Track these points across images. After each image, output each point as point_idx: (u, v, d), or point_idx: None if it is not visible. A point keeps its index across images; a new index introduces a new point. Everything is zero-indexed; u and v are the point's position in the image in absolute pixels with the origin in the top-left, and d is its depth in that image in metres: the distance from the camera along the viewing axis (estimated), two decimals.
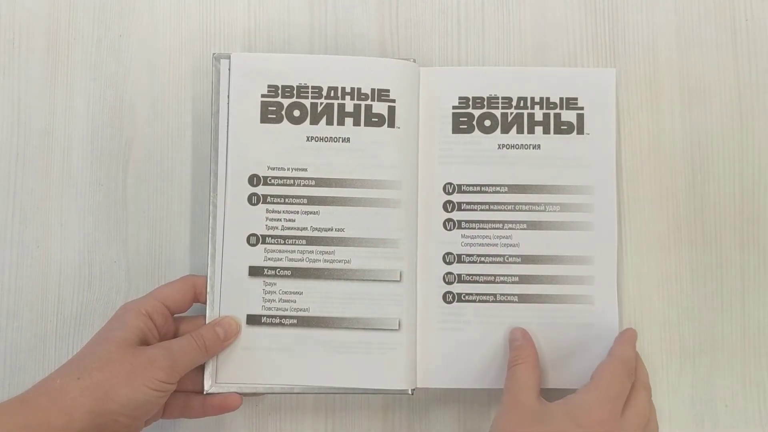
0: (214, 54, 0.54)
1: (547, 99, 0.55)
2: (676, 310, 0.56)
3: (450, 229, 0.54)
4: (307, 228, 0.53)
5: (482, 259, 0.54)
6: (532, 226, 0.54)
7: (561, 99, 0.55)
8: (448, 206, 0.55)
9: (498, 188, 0.55)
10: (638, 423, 0.48)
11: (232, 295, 0.53)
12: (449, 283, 0.54)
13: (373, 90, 0.54)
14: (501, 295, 0.54)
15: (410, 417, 0.56)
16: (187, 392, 0.52)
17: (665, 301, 0.57)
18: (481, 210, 0.54)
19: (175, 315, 0.52)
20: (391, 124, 0.54)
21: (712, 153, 0.58)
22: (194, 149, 0.57)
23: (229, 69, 0.54)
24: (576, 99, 0.55)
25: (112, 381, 0.46)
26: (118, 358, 0.47)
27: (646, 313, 0.56)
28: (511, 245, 0.54)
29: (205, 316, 0.53)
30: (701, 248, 0.57)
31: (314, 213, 0.53)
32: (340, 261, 0.53)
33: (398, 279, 0.53)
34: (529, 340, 0.53)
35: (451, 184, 0.55)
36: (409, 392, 0.53)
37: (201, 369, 0.52)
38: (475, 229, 0.54)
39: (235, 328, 0.52)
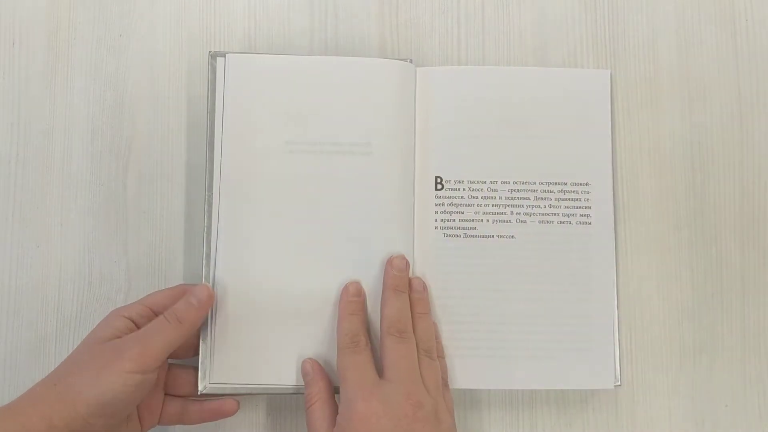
0: (210, 52, 0.53)
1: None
2: (676, 310, 0.56)
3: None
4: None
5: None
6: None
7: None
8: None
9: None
10: (400, 375, 0.46)
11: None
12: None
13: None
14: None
15: None
16: (183, 398, 0.51)
17: (665, 301, 0.56)
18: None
19: None
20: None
21: (712, 153, 0.57)
22: (191, 149, 0.57)
23: (225, 68, 0.53)
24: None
25: (81, 383, 0.44)
26: (88, 358, 0.46)
27: (646, 313, 0.56)
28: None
29: None
30: (701, 248, 0.56)
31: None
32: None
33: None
34: (320, 372, 0.50)
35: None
36: None
37: (196, 371, 0.51)
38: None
39: (207, 292, 0.49)
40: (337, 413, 0.47)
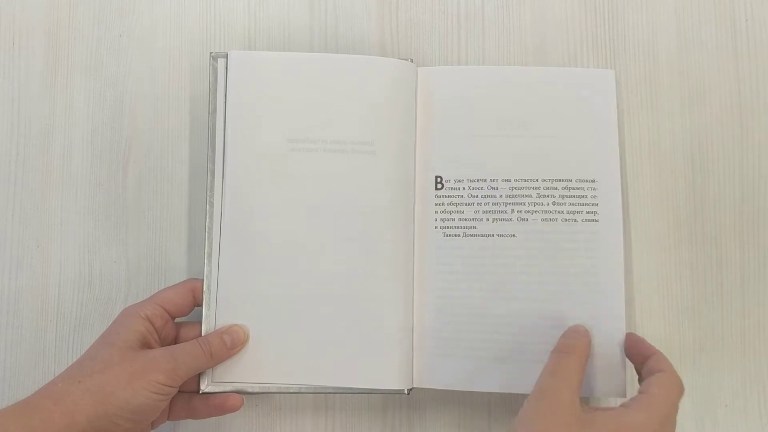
0: (211, 53, 0.53)
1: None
2: (676, 310, 0.56)
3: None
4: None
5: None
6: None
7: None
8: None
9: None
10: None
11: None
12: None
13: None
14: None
15: (410, 417, 0.55)
16: (190, 393, 0.51)
17: (665, 301, 0.56)
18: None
19: (176, 319, 0.51)
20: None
21: (712, 153, 0.57)
22: (194, 149, 0.57)
23: (227, 67, 0.53)
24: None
25: (112, 383, 0.45)
26: (119, 361, 0.46)
27: (646, 313, 0.56)
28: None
29: None
30: (701, 248, 0.56)
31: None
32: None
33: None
34: (589, 338, 0.48)
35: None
36: (405, 392, 0.51)
37: None
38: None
39: (243, 337, 0.51)
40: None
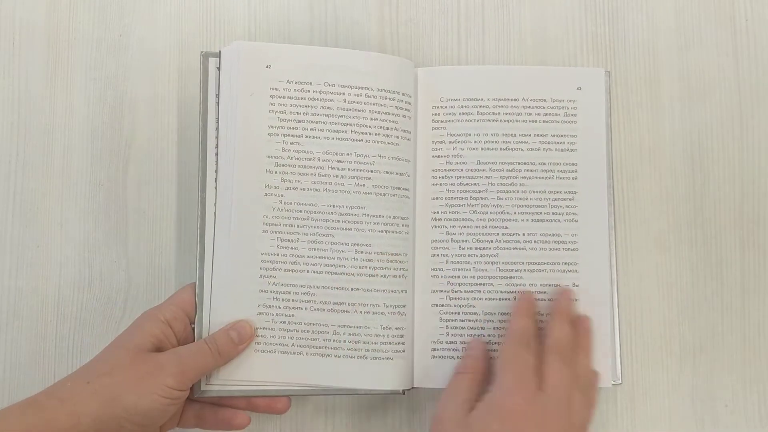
0: (202, 52, 0.52)
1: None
2: (676, 310, 0.56)
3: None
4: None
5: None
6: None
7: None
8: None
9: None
10: (558, 395, 0.45)
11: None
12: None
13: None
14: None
15: (410, 417, 0.55)
16: (201, 402, 0.51)
17: (665, 301, 0.56)
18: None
19: (193, 324, 0.50)
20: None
21: (712, 153, 0.57)
22: (193, 149, 0.56)
23: (218, 67, 0.52)
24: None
25: (120, 386, 0.44)
26: (128, 364, 0.45)
27: (646, 313, 0.56)
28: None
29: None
30: (701, 248, 0.56)
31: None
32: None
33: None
34: (486, 355, 0.50)
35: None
36: (401, 392, 0.51)
37: None
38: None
39: (249, 331, 0.50)
40: (482, 395, 0.46)
